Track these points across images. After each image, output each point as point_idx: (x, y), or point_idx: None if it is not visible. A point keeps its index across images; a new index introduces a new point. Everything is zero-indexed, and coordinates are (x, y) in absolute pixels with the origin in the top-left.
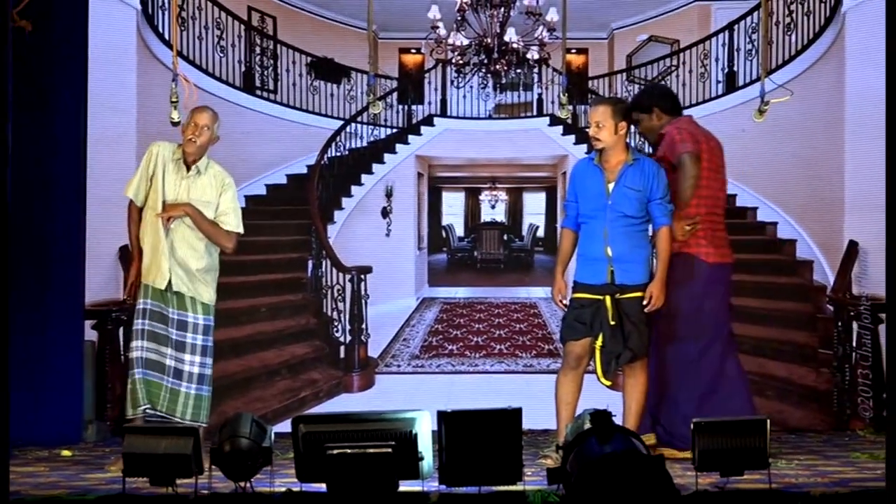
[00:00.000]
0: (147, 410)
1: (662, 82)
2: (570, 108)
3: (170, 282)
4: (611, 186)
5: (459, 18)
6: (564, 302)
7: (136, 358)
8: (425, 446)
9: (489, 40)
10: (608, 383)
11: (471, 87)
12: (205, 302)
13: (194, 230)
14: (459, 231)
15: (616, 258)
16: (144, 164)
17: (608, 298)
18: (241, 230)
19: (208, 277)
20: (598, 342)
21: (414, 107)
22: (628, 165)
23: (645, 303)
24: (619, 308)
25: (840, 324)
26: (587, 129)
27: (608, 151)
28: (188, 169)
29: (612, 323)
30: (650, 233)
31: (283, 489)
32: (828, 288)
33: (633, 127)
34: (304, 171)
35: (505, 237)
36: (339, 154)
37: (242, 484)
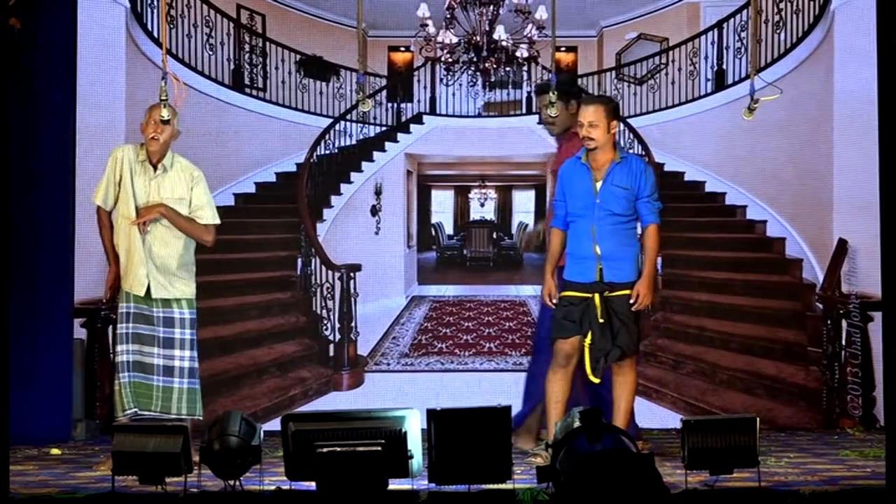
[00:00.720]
0: (138, 413)
1: (651, 80)
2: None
3: (149, 288)
4: (598, 185)
5: (449, 16)
6: (554, 301)
7: (121, 362)
8: (415, 444)
9: (478, 38)
10: (597, 381)
11: (460, 84)
12: (188, 297)
13: (170, 228)
14: (449, 229)
15: (604, 256)
16: (110, 169)
17: (597, 296)
18: (217, 221)
19: (188, 274)
20: (588, 340)
21: (403, 105)
22: (616, 164)
23: (632, 301)
24: (608, 306)
25: (829, 322)
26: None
27: (597, 150)
28: (155, 168)
29: (601, 321)
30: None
31: (273, 487)
32: (817, 286)
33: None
34: (294, 168)
35: (494, 235)
36: (328, 152)
37: (232, 482)
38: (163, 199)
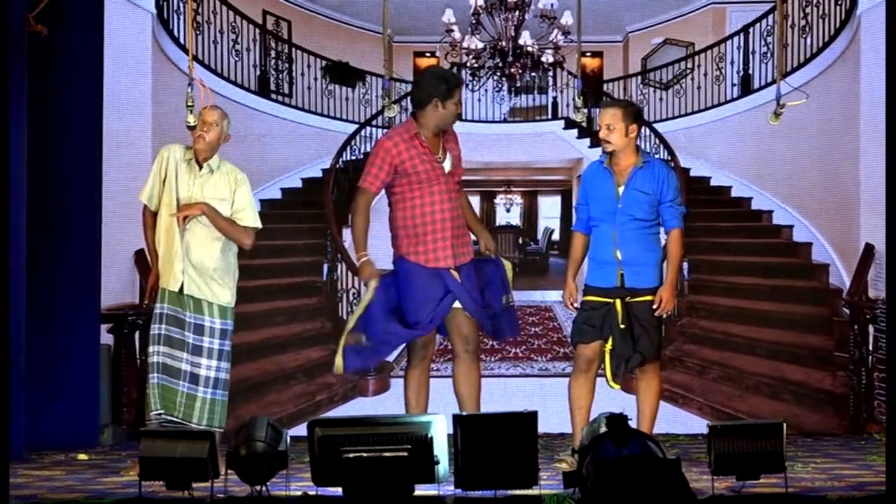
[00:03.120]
0: (163, 416)
1: (677, 85)
2: (585, 111)
3: (182, 285)
4: (620, 190)
5: (474, 22)
6: (576, 305)
7: (153, 363)
8: (441, 450)
9: (504, 43)
10: (617, 386)
11: (485, 90)
12: (222, 304)
13: (210, 229)
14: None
15: (626, 261)
16: (156, 167)
17: (618, 302)
18: (258, 225)
19: (226, 278)
20: (608, 345)
21: None
22: (638, 168)
23: (654, 307)
24: (629, 311)
25: (856, 327)
26: None
27: (618, 154)
28: (200, 168)
29: (622, 326)
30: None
31: (299, 493)
32: (844, 291)
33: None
34: (320, 174)
35: (520, 240)
36: (354, 157)
37: (258, 488)
38: (206, 198)
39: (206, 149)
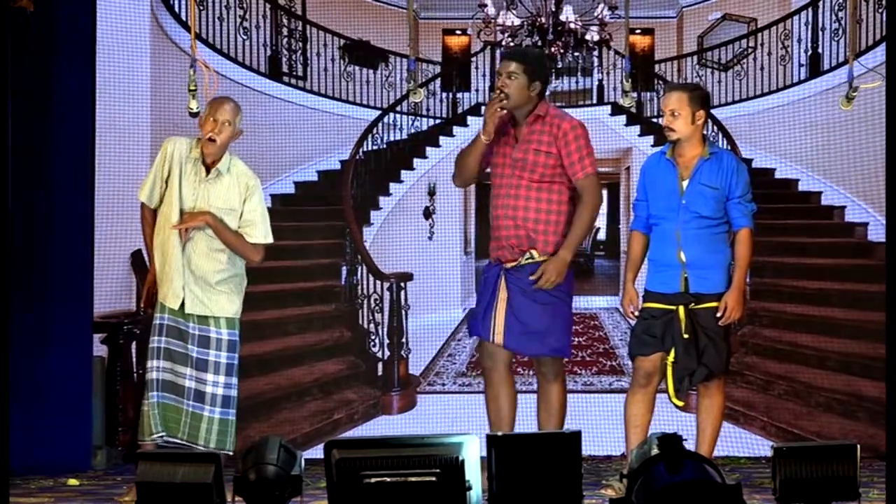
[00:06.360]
0: (166, 438)
1: (738, 66)
2: (634, 95)
3: (184, 302)
4: (685, 184)
5: None
6: (636, 313)
7: (151, 380)
8: (473, 474)
9: (543, 20)
10: (681, 404)
11: None
12: (229, 316)
13: (214, 240)
14: None
15: (690, 264)
16: (159, 163)
17: (681, 309)
18: (269, 240)
19: (232, 286)
20: (670, 357)
21: (459, 94)
22: (704, 160)
23: (719, 314)
24: (694, 319)
25: None
26: (654, 119)
27: (682, 144)
28: (207, 171)
29: (686, 336)
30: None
31: None
32: None
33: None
34: (338, 166)
35: None
36: (375, 148)
37: None
38: (211, 206)
39: (216, 152)
